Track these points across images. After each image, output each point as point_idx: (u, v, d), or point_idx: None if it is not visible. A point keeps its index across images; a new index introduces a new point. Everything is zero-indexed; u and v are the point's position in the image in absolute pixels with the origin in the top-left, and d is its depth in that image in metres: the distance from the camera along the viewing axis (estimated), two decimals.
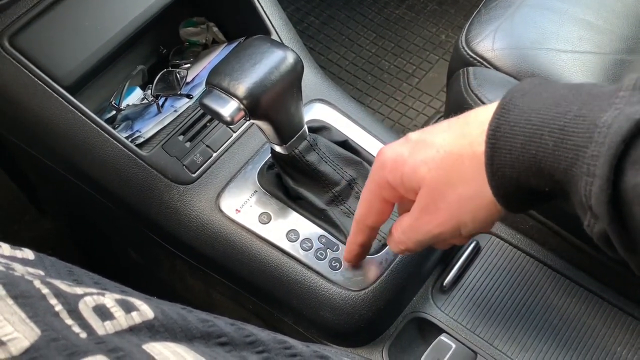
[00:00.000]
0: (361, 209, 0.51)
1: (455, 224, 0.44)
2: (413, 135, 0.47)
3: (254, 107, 0.52)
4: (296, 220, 0.62)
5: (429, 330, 0.64)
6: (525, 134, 0.37)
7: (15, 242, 0.33)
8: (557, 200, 0.40)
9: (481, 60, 0.71)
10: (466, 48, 0.72)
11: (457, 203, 0.43)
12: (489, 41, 0.71)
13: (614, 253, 0.36)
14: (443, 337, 0.62)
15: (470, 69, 0.70)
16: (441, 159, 0.43)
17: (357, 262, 0.59)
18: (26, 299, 0.26)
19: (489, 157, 0.39)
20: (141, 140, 0.67)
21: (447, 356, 0.60)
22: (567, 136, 0.36)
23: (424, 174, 0.44)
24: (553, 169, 0.37)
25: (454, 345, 0.61)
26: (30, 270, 0.31)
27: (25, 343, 0.24)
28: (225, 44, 0.77)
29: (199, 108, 0.68)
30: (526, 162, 0.38)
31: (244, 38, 0.75)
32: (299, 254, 0.61)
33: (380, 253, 0.61)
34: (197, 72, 0.73)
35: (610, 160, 0.33)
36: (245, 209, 0.63)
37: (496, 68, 0.70)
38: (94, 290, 0.30)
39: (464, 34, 0.73)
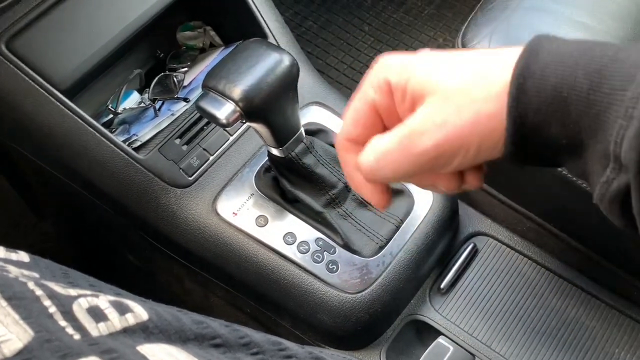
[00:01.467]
0: (346, 122, 0.41)
1: (458, 145, 0.37)
2: (428, 52, 0.39)
3: (249, 109, 0.52)
4: (293, 223, 0.62)
5: (426, 333, 0.64)
6: (558, 75, 0.34)
7: (14, 246, 0.33)
8: (567, 158, 0.36)
9: None
10: None
11: (472, 119, 0.36)
12: (485, 43, 0.71)
13: (623, 218, 0.34)
14: (441, 340, 0.61)
15: None
16: (467, 70, 0.37)
17: (381, 199, 0.43)
18: (20, 300, 0.26)
19: (513, 98, 0.35)
20: (138, 143, 0.67)
21: (445, 358, 0.60)
22: (604, 79, 0.33)
23: (441, 79, 0.37)
24: (584, 113, 0.34)
25: (451, 348, 0.61)
26: (25, 272, 0.31)
27: (18, 344, 0.24)
28: (222, 47, 0.77)
29: (195, 111, 0.68)
30: (554, 106, 0.34)
31: (241, 42, 0.75)
32: (296, 256, 0.61)
33: (377, 256, 0.61)
34: (194, 75, 0.74)
35: None
36: (242, 212, 0.63)
37: None
38: (88, 292, 0.30)
39: (460, 36, 0.73)
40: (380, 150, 0.38)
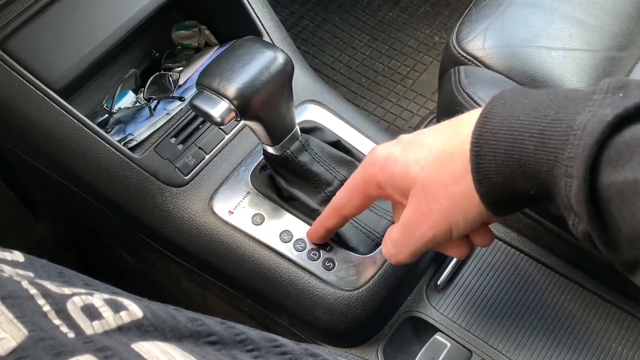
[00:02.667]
0: (341, 198, 0.52)
1: (447, 225, 0.44)
2: (405, 137, 0.47)
3: (244, 107, 0.52)
4: (289, 221, 0.62)
5: (423, 330, 0.64)
6: (507, 139, 0.39)
7: (11, 247, 0.33)
8: (543, 203, 0.40)
9: (472, 59, 0.71)
10: (457, 47, 0.72)
11: (448, 202, 0.43)
12: (479, 40, 0.71)
13: (599, 252, 0.37)
14: (438, 336, 0.61)
15: (462, 67, 0.71)
16: (433, 158, 0.43)
17: (318, 242, 0.59)
18: (14, 299, 0.26)
19: (474, 165, 0.40)
20: (134, 143, 0.67)
21: (442, 355, 0.60)
22: (546, 139, 0.37)
23: (416, 173, 0.44)
24: (536, 171, 0.38)
25: (449, 344, 0.61)
26: (20, 272, 0.31)
27: (12, 343, 0.24)
28: (217, 46, 0.77)
29: (191, 110, 0.68)
30: (510, 167, 0.39)
31: (235, 40, 0.75)
32: (293, 254, 0.61)
33: (374, 252, 0.61)
34: (190, 75, 0.74)
35: (586, 161, 0.34)
36: (238, 210, 0.63)
37: (487, 66, 0.70)
38: (83, 291, 0.29)
39: (454, 33, 0.73)
40: (394, 240, 0.48)
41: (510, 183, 0.39)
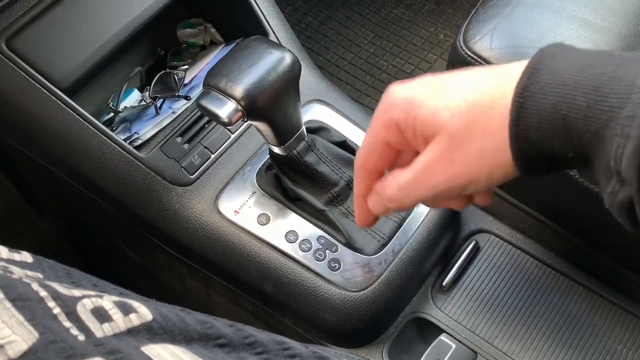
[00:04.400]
0: (361, 152, 0.46)
1: (467, 179, 0.40)
2: (433, 79, 0.42)
3: (251, 108, 0.52)
4: (295, 221, 0.62)
5: (428, 331, 0.64)
6: (557, 94, 0.36)
7: (13, 244, 0.33)
8: (576, 167, 0.38)
9: (479, 59, 0.71)
10: (464, 47, 0.72)
11: (477, 157, 0.39)
12: (486, 40, 0.71)
13: (633, 225, 0.35)
14: (443, 337, 0.62)
15: (469, 68, 0.70)
16: (468, 106, 0.39)
17: (368, 221, 0.50)
18: (24, 301, 0.26)
19: (514, 118, 0.37)
20: (139, 142, 0.67)
21: (447, 356, 0.60)
22: (602, 97, 0.34)
23: (446, 120, 0.39)
24: (584, 131, 0.35)
25: (454, 345, 0.61)
26: (29, 273, 0.31)
27: (23, 346, 0.24)
28: (223, 45, 0.77)
29: (196, 109, 0.67)
30: (554, 124, 0.36)
31: (241, 39, 0.75)
32: (298, 254, 0.61)
33: (379, 253, 0.61)
34: (195, 73, 0.73)
35: None
36: (243, 210, 0.63)
37: None
38: (92, 293, 0.29)
39: (461, 33, 0.73)
40: (401, 183, 0.43)
41: (548, 143, 0.36)
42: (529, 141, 0.37)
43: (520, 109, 0.37)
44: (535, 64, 0.37)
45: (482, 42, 0.71)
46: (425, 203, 0.45)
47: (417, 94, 0.41)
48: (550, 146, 0.37)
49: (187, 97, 0.70)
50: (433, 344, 0.61)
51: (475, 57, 0.71)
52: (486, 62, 0.71)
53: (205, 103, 0.52)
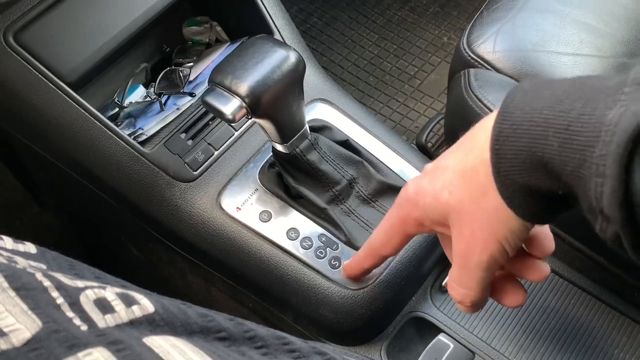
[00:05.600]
0: (379, 239, 0.50)
1: (497, 242, 0.41)
2: (428, 166, 0.45)
3: (255, 105, 0.52)
4: (296, 219, 0.63)
5: (427, 330, 0.64)
6: (530, 135, 0.36)
7: (16, 236, 0.34)
8: (574, 204, 0.38)
9: (482, 62, 0.71)
10: (467, 50, 0.72)
11: (486, 219, 0.40)
12: (490, 43, 0.71)
13: (629, 255, 0.35)
14: (441, 337, 0.62)
15: (472, 70, 0.71)
16: (458, 178, 0.41)
17: (355, 280, 0.59)
18: (28, 291, 0.27)
19: (495, 164, 0.38)
20: (144, 137, 0.67)
21: (445, 356, 0.61)
22: (572, 136, 0.34)
23: (447, 199, 0.42)
24: (560, 170, 0.35)
25: (452, 345, 0.61)
26: (33, 263, 0.31)
27: (26, 334, 0.25)
28: (228, 43, 0.78)
29: (201, 106, 0.68)
30: (533, 165, 0.36)
31: (246, 37, 0.75)
32: (299, 252, 0.61)
33: None
34: (200, 70, 0.74)
35: (620, 159, 0.31)
36: (246, 207, 0.63)
37: (497, 70, 0.70)
38: (95, 284, 0.30)
39: (465, 36, 0.73)
40: (456, 279, 0.45)
41: (534, 183, 0.36)
42: (516, 184, 0.37)
43: (498, 155, 0.37)
44: (506, 106, 0.37)
45: (486, 45, 0.71)
46: (489, 283, 0.45)
47: (420, 184, 0.44)
48: (537, 187, 0.37)
49: (191, 94, 0.71)
50: (431, 343, 0.61)
51: (479, 60, 0.71)
52: (489, 64, 0.71)
53: (210, 100, 0.52)
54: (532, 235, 0.44)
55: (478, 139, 0.40)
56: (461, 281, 0.44)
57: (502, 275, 0.47)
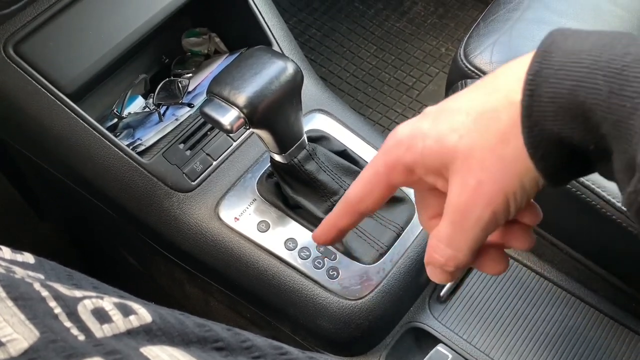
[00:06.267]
0: (357, 191, 0.41)
1: (504, 196, 0.36)
2: (430, 108, 0.39)
3: (253, 116, 0.52)
4: (294, 229, 0.63)
5: (425, 341, 0.64)
6: (574, 77, 0.31)
7: (15, 247, 0.34)
8: (599, 165, 0.34)
9: (479, 73, 0.71)
10: (464, 61, 0.72)
11: (500, 169, 0.35)
12: (487, 54, 0.72)
13: None
14: (440, 347, 0.62)
15: (469, 81, 0.71)
16: (473, 121, 0.35)
17: (328, 244, 0.47)
18: (26, 301, 0.27)
19: (527, 107, 0.33)
20: (142, 148, 0.67)
21: None
22: (626, 81, 0.30)
23: (455, 143, 0.36)
24: (603, 119, 0.31)
25: (450, 356, 0.61)
26: (31, 273, 0.31)
27: (24, 344, 0.25)
28: (227, 54, 0.78)
29: (199, 117, 0.68)
30: (572, 112, 0.32)
31: (245, 49, 0.76)
32: (297, 262, 0.61)
33: (378, 263, 0.62)
34: (199, 81, 0.74)
35: None
36: (244, 217, 0.63)
37: None
38: (93, 294, 0.30)
39: (462, 47, 0.74)
40: (445, 238, 0.38)
41: (567, 133, 0.32)
42: (546, 132, 0.33)
43: (532, 97, 0.33)
44: (547, 46, 0.33)
45: (483, 56, 0.72)
46: (480, 244, 0.39)
47: (419, 126, 0.38)
48: (569, 138, 0.33)
49: (190, 105, 0.71)
50: (429, 354, 0.61)
51: (476, 71, 0.72)
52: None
53: (208, 110, 0.53)
54: None
55: (503, 81, 0.35)
56: (452, 240, 0.38)
57: (486, 242, 0.40)
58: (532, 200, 0.39)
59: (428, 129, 0.37)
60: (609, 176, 0.34)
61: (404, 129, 0.39)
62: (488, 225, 0.37)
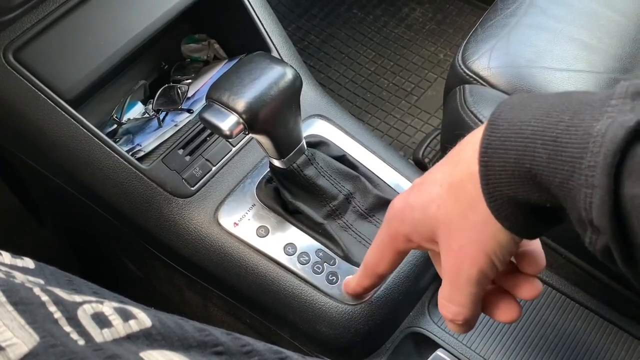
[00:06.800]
0: (372, 257, 0.49)
1: (485, 256, 0.40)
2: (417, 181, 0.45)
3: (253, 121, 0.52)
4: (294, 234, 0.63)
5: (425, 345, 0.64)
6: (518, 147, 0.36)
7: (15, 253, 0.34)
8: (562, 218, 0.37)
9: (477, 78, 0.72)
10: (462, 66, 0.73)
11: (475, 232, 0.40)
12: (485, 59, 0.72)
13: (619, 267, 0.35)
14: (439, 352, 0.62)
15: (467, 86, 0.71)
16: (446, 192, 0.41)
17: (358, 299, 0.59)
18: (26, 305, 0.27)
19: (483, 177, 0.38)
20: (142, 153, 0.67)
21: None
22: (561, 147, 0.34)
23: (435, 213, 0.41)
24: (549, 182, 0.35)
25: None
26: (31, 278, 0.31)
27: (24, 349, 0.25)
28: (226, 60, 0.78)
29: (199, 122, 0.68)
30: (522, 177, 0.36)
31: (244, 55, 0.76)
32: (296, 267, 0.61)
33: None
34: (198, 87, 0.75)
35: (609, 169, 0.31)
36: (243, 222, 0.63)
37: (492, 86, 0.71)
38: (93, 299, 0.30)
39: (460, 52, 0.74)
40: (447, 296, 0.44)
41: (523, 195, 0.36)
42: (504, 197, 0.37)
43: (486, 168, 0.37)
44: (494, 120, 0.37)
45: (480, 62, 0.72)
46: (481, 297, 0.44)
47: (408, 199, 0.44)
48: (525, 199, 0.36)
49: (189, 111, 0.71)
50: (429, 358, 0.61)
51: (473, 76, 0.72)
52: (484, 80, 0.72)
53: (208, 116, 0.53)
54: (523, 252, 0.44)
55: (465, 153, 0.40)
56: (452, 298, 0.43)
57: (495, 289, 0.46)
58: (536, 248, 0.44)
59: (414, 202, 0.43)
60: (570, 226, 0.37)
61: (398, 202, 0.45)
62: (478, 282, 0.42)
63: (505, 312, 0.45)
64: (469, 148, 0.40)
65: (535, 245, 0.45)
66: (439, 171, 0.42)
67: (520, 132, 0.36)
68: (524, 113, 0.36)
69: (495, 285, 0.46)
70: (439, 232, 0.42)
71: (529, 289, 0.44)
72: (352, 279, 0.55)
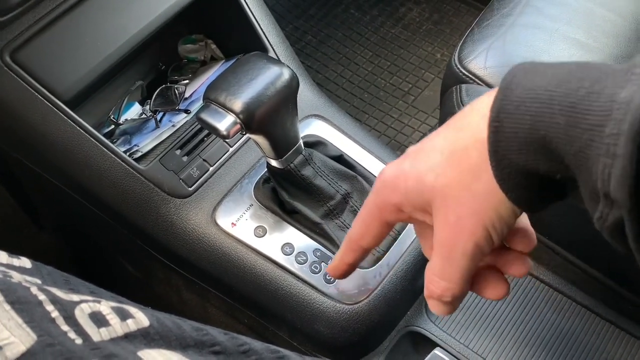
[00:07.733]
0: (357, 229, 0.46)
1: (483, 229, 0.38)
2: (411, 148, 0.42)
3: (250, 121, 0.53)
4: (291, 234, 0.63)
5: (422, 344, 0.64)
6: (533, 112, 0.33)
7: (12, 253, 0.34)
8: (569, 192, 0.36)
9: (473, 78, 0.72)
10: (459, 66, 0.73)
11: (476, 203, 0.38)
12: (481, 59, 0.72)
13: (626, 247, 0.33)
14: (437, 351, 0.62)
15: (463, 86, 0.72)
16: (447, 159, 0.38)
17: (342, 278, 0.51)
18: (23, 304, 0.27)
19: (492, 143, 0.35)
20: (139, 154, 0.67)
21: None
22: (580, 114, 0.32)
23: (432, 183, 0.39)
24: (565, 151, 0.33)
25: (447, 359, 0.61)
26: (28, 278, 0.31)
27: (21, 348, 0.25)
28: (223, 60, 0.78)
29: (196, 123, 0.68)
30: (535, 144, 0.34)
31: (241, 55, 0.76)
32: (294, 267, 0.61)
33: (375, 267, 0.62)
34: (195, 88, 0.75)
35: (634, 137, 0.29)
36: (240, 222, 0.64)
37: (488, 85, 0.71)
38: (90, 298, 0.30)
39: (457, 52, 0.74)
40: (438, 271, 0.41)
41: (533, 165, 0.34)
42: (513, 165, 0.35)
43: (497, 134, 0.35)
44: (508, 83, 0.35)
45: (477, 61, 0.72)
46: (473, 273, 0.41)
47: (401, 167, 0.41)
48: (535, 169, 0.35)
49: (187, 111, 0.71)
50: (427, 357, 0.61)
51: (470, 76, 0.73)
52: (481, 80, 0.72)
53: (205, 116, 0.53)
54: (515, 229, 0.42)
55: (470, 119, 0.37)
56: (443, 273, 0.41)
57: (484, 267, 0.43)
58: (527, 226, 0.42)
59: (409, 170, 0.40)
60: (580, 203, 0.35)
61: (389, 171, 0.42)
62: (473, 256, 0.39)
63: (495, 288, 0.42)
64: (475, 114, 0.37)
65: (525, 223, 0.43)
66: (439, 138, 0.39)
67: (536, 97, 0.33)
68: (540, 78, 0.34)
69: (484, 262, 0.43)
70: (435, 203, 0.39)
71: (520, 266, 0.42)
72: (335, 257, 0.50)
